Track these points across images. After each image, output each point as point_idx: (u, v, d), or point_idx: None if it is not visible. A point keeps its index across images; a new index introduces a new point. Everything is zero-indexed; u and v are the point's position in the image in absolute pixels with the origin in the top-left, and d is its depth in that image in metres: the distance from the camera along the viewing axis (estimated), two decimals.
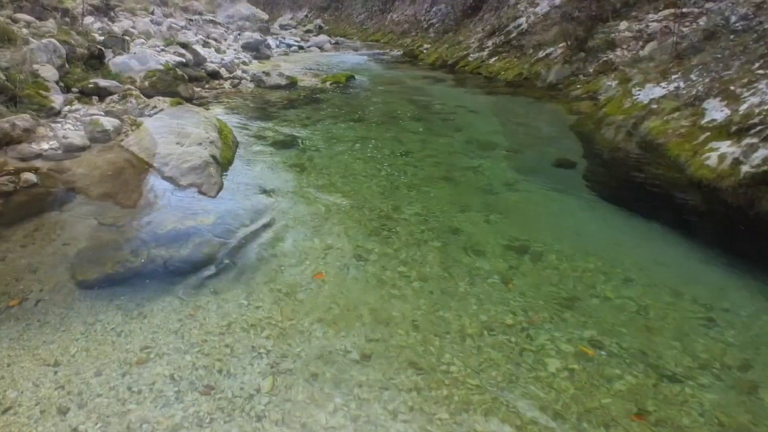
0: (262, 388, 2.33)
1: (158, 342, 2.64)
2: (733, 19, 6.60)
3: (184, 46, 10.92)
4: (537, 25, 11.56)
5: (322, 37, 22.99)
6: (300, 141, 6.54)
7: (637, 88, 6.89)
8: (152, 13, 16.19)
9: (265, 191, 4.72)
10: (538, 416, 2.19)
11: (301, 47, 20.36)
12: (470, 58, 13.83)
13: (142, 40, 11.33)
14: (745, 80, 5.44)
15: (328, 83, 11.03)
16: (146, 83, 7.83)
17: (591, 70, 8.63)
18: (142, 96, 6.62)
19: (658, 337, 2.77)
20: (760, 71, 5.40)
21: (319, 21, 33.02)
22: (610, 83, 7.90)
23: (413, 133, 7.17)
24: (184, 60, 9.85)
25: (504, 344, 2.69)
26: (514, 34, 12.28)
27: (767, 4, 6.36)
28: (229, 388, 2.32)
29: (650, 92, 6.60)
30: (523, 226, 4.28)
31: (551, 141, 6.85)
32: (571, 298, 3.14)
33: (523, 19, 12.34)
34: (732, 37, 6.42)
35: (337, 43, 23.24)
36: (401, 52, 19.24)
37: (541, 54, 10.44)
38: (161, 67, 8.33)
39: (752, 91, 5.21)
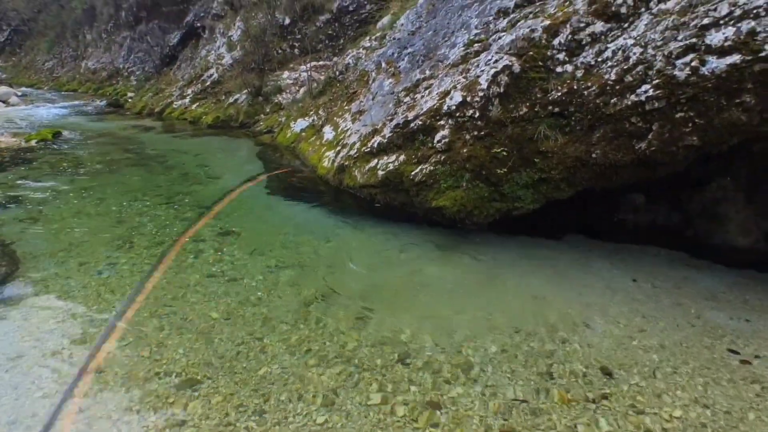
0: None
1: None
2: (338, 73, 10.57)
3: None
4: (225, 75, 14.29)
5: (5, 89, 20.73)
6: (22, 198, 7.27)
7: (293, 123, 10.24)
8: None
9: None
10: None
11: None
12: (175, 105, 15.43)
13: None
14: (341, 113, 9.21)
15: (33, 141, 11.10)
16: None
17: (268, 110, 11.80)
18: None
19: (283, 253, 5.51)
20: (347, 107, 9.24)
21: None
22: (281, 119, 11.14)
23: (134, 176, 8.71)
24: None
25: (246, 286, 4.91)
26: (208, 83, 14.72)
27: (344, 64, 10.51)
28: None
29: (300, 125, 10.00)
30: (231, 221, 6.55)
31: (243, 165, 9.50)
32: (257, 250, 5.57)
33: (213, 70, 14.90)
34: (338, 84, 10.35)
35: (24, 95, 21.35)
36: (105, 102, 19.10)
37: (231, 100, 13.19)
38: None
39: (343, 119, 8.96)
